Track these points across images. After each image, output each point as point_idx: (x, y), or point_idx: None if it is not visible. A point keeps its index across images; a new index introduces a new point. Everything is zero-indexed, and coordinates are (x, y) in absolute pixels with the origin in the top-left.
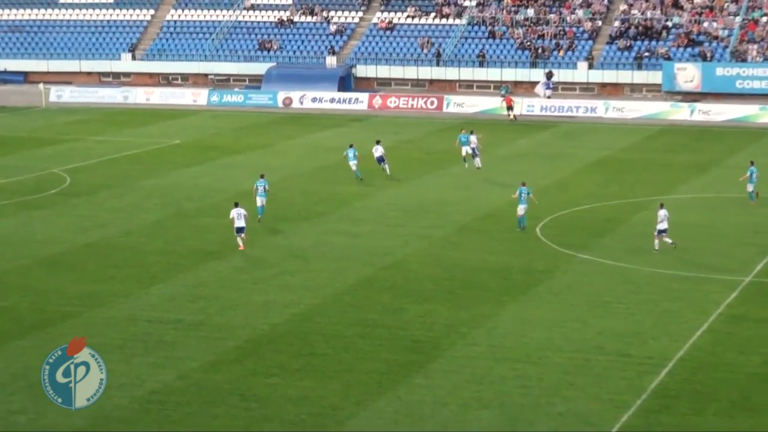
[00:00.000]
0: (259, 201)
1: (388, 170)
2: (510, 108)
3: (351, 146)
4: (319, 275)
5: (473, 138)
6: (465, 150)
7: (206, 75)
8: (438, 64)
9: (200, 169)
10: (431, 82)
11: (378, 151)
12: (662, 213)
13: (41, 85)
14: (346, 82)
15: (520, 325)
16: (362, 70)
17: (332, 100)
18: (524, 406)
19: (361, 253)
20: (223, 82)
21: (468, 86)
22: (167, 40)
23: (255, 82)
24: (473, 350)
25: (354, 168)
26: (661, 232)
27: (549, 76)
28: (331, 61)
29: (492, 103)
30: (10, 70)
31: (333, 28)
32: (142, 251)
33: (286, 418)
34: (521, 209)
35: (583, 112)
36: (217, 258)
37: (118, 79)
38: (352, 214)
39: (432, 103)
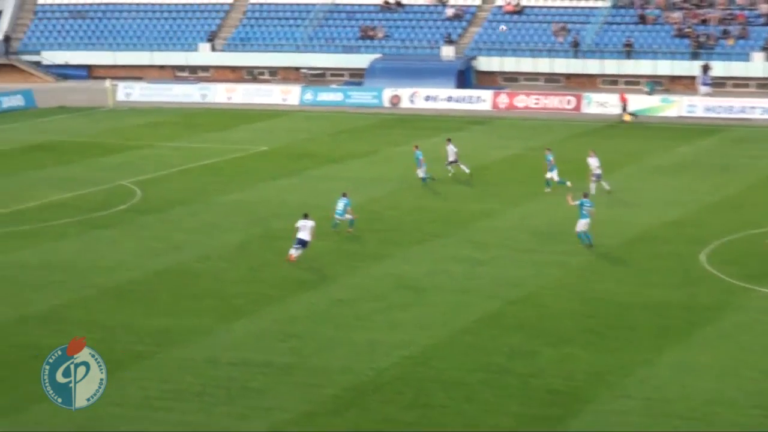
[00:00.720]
0: (337, 218)
1: (456, 170)
2: (624, 108)
3: (416, 147)
4: (434, 310)
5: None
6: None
7: (298, 69)
8: (576, 56)
9: (291, 182)
10: (568, 76)
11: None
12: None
13: (108, 82)
14: (466, 77)
15: (682, 374)
16: (485, 63)
17: (449, 99)
18: None
19: (485, 283)
20: (318, 77)
21: (612, 82)
22: (252, 27)
23: (356, 77)
24: (624, 404)
25: (422, 175)
26: None
27: (705, 69)
28: (447, 51)
29: (641, 102)
30: (72, 63)
31: (450, 12)
32: (222, 279)
33: None
34: (582, 224)
35: (759, 113)
36: (311, 288)
37: (195, 73)
38: (473, 237)
39: (569, 102)
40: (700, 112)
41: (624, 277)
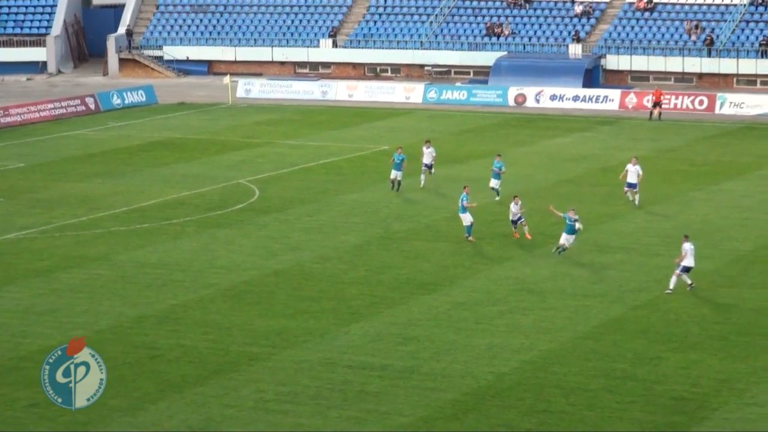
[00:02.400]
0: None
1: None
2: (658, 104)
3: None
4: (556, 314)
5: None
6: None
7: (422, 66)
8: (710, 54)
9: (413, 182)
10: (701, 76)
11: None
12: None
13: (227, 78)
14: (594, 75)
15: None
16: (613, 61)
17: (576, 98)
18: None
19: (608, 288)
20: (442, 74)
21: (749, 82)
22: (375, 23)
23: (481, 75)
24: (754, 412)
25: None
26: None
27: None
28: (575, 49)
29: None
30: (193, 58)
31: (578, 9)
32: (341, 281)
33: None
34: (564, 239)
35: None
36: (431, 291)
37: (316, 70)
38: (598, 240)
39: (701, 102)
40: None
41: (757, 283)
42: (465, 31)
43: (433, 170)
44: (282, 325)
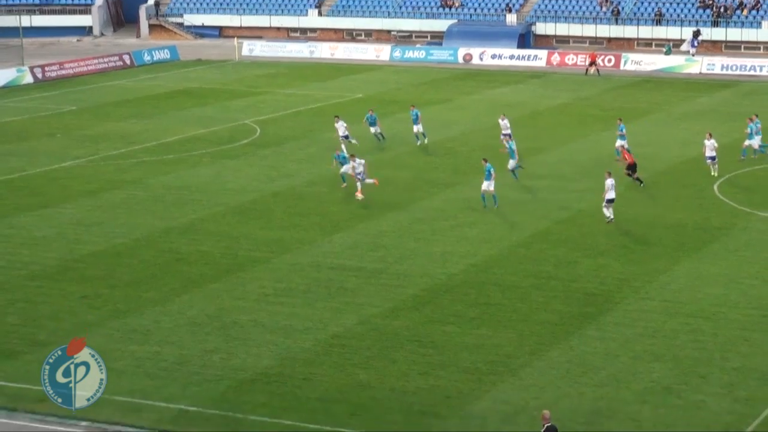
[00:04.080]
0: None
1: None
2: (593, 63)
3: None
4: (495, 228)
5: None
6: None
7: (389, 31)
8: (617, 23)
9: (382, 123)
10: (609, 40)
11: (341, 128)
12: (609, 182)
13: (235, 40)
14: (526, 39)
15: (695, 281)
16: (542, 28)
17: (512, 57)
18: (698, 360)
19: (536, 207)
20: (405, 38)
21: (646, 44)
22: None
23: (436, 38)
24: (646, 304)
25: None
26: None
27: (696, 34)
28: (511, 18)
29: (668, 61)
30: (207, 24)
31: None
32: (325, 201)
33: (461, 365)
34: (486, 185)
35: (766, 71)
36: (397, 209)
37: (305, 34)
38: (528, 170)
39: (610, 60)
40: (717, 70)
41: (650, 203)
42: (424, 3)
43: (353, 140)
44: (279, 235)
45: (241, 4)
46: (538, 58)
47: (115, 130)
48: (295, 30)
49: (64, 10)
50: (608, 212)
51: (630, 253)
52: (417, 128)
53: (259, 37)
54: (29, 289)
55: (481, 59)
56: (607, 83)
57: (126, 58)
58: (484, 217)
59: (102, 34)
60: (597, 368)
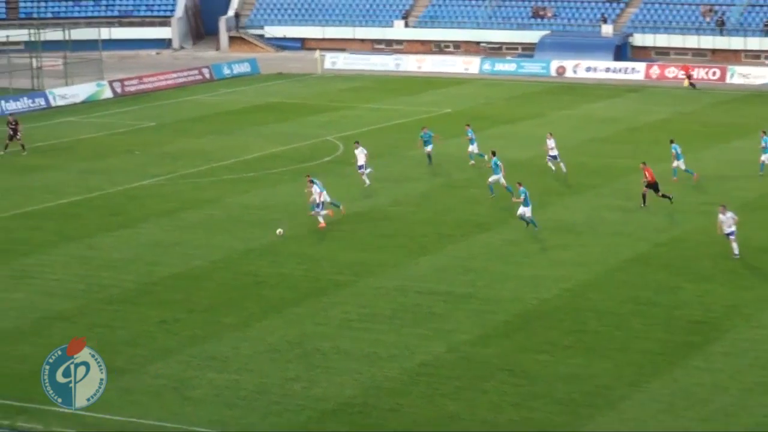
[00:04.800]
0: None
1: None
2: (688, 76)
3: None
4: (590, 250)
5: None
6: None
7: (478, 43)
8: (721, 33)
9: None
10: (713, 51)
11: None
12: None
13: (317, 52)
14: (623, 51)
15: None
16: (639, 39)
17: (607, 70)
18: None
19: (635, 228)
20: (495, 50)
21: (754, 56)
22: (440, 7)
23: (528, 50)
24: (758, 333)
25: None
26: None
27: None
28: (606, 29)
29: None
30: (289, 36)
31: None
32: (411, 221)
33: (556, 397)
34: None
35: None
36: (486, 230)
37: (390, 46)
38: (626, 188)
39: (714, 73)
40: None
41: (761, 225)
42: (514, 13)
43: (368, 169)
44: (362, 258)
45: (324, 15)
46: (635, 71)
47: (193, 146)
48: (380, 42)
49: (143, 23)
50: (734, 247)
51: (739, 278)
52: (471, 148)
53: (343, 50)
54: (107, 314)
55: (575, 72)
56: (711, 98)
57: (205, 71)
58: (577, 240)
59: (181, 47)
60: (704, 401)
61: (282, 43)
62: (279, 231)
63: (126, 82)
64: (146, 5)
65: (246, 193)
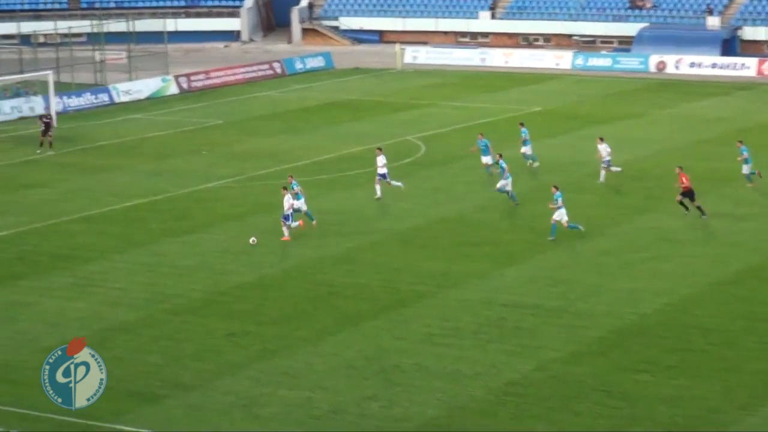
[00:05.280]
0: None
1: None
2: None
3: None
4: (695, 261)
5: (605, 147)
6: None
7: (570, 36)
8: None
9: (561, 140)
10: None
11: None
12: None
13: (397, 46)
14: (731, 45)
15: None
16: (750, 32)
17: (714, 65)
18: None
19: (746, 238)
20: (588, 44)
21: None
22: None
23: (625, 44)
24: None
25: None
26: None
27: None
28: (712, 21)
29: None
30: (366, 28)
31: None
32: (497, 229)
33: (657, 420)
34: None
35: None
36: (579, 238)
37: (475, 39)
38: (735, 194)
39: None
40: None
41: None
42: (610, 4)
43: (390, 181)
44: (445, 267)
45: (404, 6)
46: (745, 67)
47: (263, 146)
48: (464, 35)
49: (210, 14)
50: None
51: None
52: (525, 149)
53: (424, 43)
54: (173, 325)
55: (677, 68)
56: None
57: (276, 66)
58: (680, 250)
59: (251, 40)
60: None
61: (359, 36)
62: (252, 239)
63: (192, 77)
64: None
65: (319, 197)
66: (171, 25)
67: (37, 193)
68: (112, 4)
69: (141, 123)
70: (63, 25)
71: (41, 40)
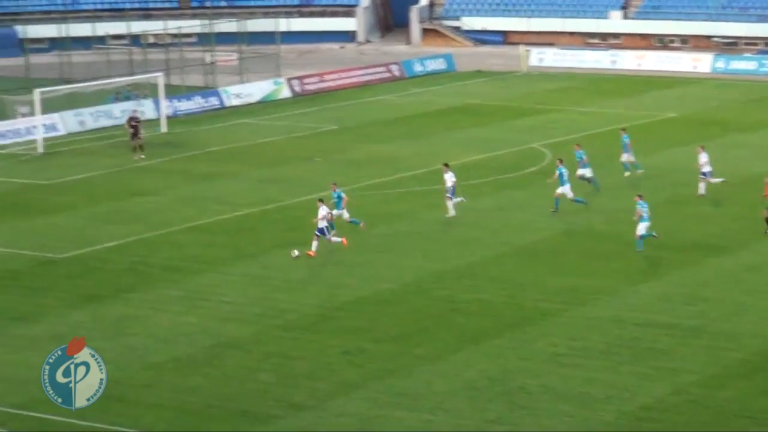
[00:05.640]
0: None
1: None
2: None
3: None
4: None
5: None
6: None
7: (709, 37)
8: None
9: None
10: None
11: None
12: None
13: (521, 47)
14: None
15: None
16: None
17: None
18: None
19: None
20: (730, 46)
21: None
22: None
23: None
24: None
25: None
26: None
27: None
28: None
29: None
30: (489, 29)
31: None
32: (629, 242)
33: None
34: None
35: None
36: (719, 253)
37: (605, 40)
38: None
39: None
40: None
41: None
42: (754, 2)
43: (458, 198)
44: (573, 283)
45: (529, 5)
46: None
47: (380, 153)
48: (593, 35)
49: (325, 13)
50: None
51: None
52: (626, 156)
53: (551, 44)
54: (285, 342)
55: None
56: None
57: (394, 68)
58: None
59: (367, 41)
60: None
61: (481, 37)
62: (294, 253)
63: (305, 80)
64: None
65: (440, 206)
66: (284, 25)
67: (146, 201)
68: (223, 3)
69: (252, 128)
70: (173, 25)
71: (150, 40)
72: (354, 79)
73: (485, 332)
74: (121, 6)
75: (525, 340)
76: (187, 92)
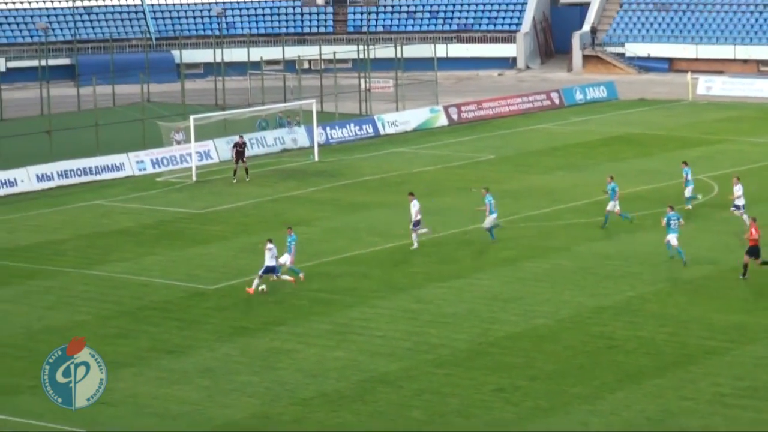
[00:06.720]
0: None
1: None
2: None
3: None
4: None
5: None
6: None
7: None
8: None
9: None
10: None
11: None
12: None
13: (688, 75)
14: None
15: None
16: None
17: None
18: None
19: None
20: None
21: None
22: None
23: None
24: None
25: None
26: None
27: None
28: None
29: None
30: (654, 55)
31: None
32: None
33: None
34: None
35: None
36: None
37: None
38: None
39: None
40: None
41: None
42: None
43: (423, 228)
44: (740, 320)
45: (697, 31)
46: None
47: (538, 184)
48: (766, 63)
49: (484, 38)
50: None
51: None
52: (689, 190)
53: (720, 72)
54: (437, 378)
55: None
56: None
57: (554, 96)
58: None
59: (527, 67)
60: None
61: (646, 64)
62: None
63: (463, 108)
64: (489, 18)
65: (600, 240)
66: (441, 50)
67: (297, 231)
68: (380, 28)
69: (407, 157)
70: (328, 50)
71: (305, 65)
72: (512, 107)
73: (645, 371)
74: (276, 31)
75: (687, 379)
76: (341, 119)
